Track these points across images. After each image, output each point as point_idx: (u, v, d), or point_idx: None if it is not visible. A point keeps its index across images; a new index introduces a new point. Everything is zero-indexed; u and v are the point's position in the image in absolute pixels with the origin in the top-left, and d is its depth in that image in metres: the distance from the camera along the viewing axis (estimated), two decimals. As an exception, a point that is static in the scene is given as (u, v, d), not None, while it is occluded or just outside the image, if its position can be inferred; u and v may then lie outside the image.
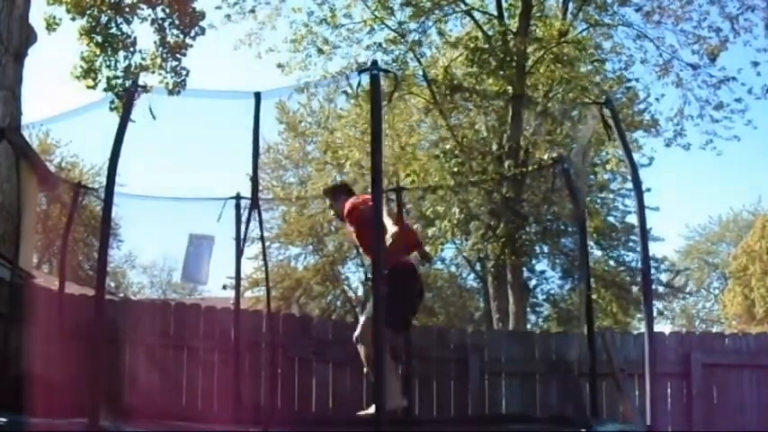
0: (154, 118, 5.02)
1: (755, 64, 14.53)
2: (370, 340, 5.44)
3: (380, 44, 15.19)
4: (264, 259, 8.48)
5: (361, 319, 5.85)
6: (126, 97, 5.09)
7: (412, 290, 5.95)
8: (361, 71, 4.64)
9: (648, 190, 16.49)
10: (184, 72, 12.51)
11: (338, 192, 6.20)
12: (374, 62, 4.49)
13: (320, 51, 15.27)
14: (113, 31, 12.13)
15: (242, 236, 6.94)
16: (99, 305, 5.02)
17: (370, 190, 4.68)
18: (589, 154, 13.85)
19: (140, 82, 5.44)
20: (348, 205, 5.97)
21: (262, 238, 7.04)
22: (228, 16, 15.08)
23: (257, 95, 5.96)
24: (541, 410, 7.42)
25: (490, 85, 14.73)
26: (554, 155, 12.72)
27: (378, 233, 4.42)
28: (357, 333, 5.87)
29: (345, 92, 14.29)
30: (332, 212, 6.87)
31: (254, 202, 6.38)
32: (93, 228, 20.55)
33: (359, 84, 4.59)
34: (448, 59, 15.44)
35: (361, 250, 5.74)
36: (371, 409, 5.24)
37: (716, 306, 36.79)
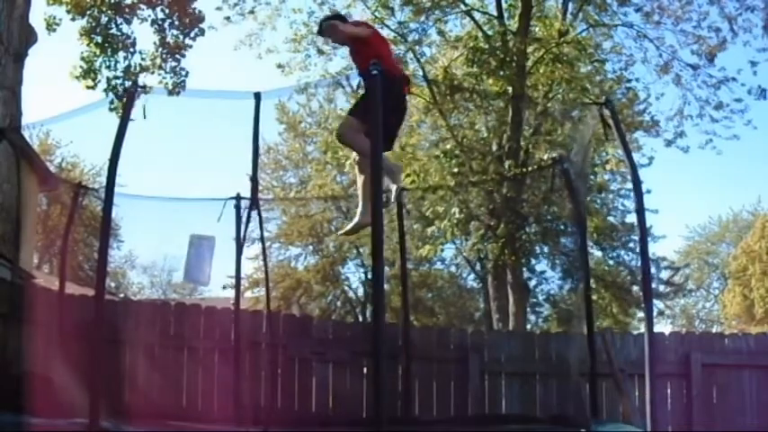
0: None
1: (753, 64, 14.55)
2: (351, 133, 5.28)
3: (381, 44, 15.18)
4: (264, 259, 8.50)
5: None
6: (126, 97, 5.09)
7: (395, 101, 5.33)
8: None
9: (649, 191, 16.53)
10: (184, 72, 12.53)
11: (331, 20, 5.64)
12: (374, 63, 4.49)
13: (320, 52, 15.28)
14: (113, 31, 12.14)
15: (242, 236, 6.96)
16: (99, 305, 5.03)
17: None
18: (589, 154, 13.84)
19: (140, 82, 5.45)
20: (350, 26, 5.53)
21: (262, 239, 7.07)
22: (228, 18, 15.06)
23: (257, 96, 5.98)
24: (541, 410, 7.43)
25: (490, 86, 14.72)
26: (554, 155, 12.72)
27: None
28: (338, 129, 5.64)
29: (349, 85, 14.14)
30: (330, 41, 6.56)
31: (254, 202, 6.40)
32: (93, 228, 20.54)
33: (358, 85, 4.58)
34: (448, 59, 15.43)
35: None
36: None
37: (716, 306, 36.76)
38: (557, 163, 7.48)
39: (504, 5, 15.55)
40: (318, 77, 15.20)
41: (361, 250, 22.24)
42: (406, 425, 6.68)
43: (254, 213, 6.53)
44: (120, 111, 5.32)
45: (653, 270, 17.74)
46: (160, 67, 12.42)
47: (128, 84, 11.72)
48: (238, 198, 7.09)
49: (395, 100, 5.14)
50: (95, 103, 6.87)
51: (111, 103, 10.90)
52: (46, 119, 7.20)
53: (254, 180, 6.34)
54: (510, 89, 14.27)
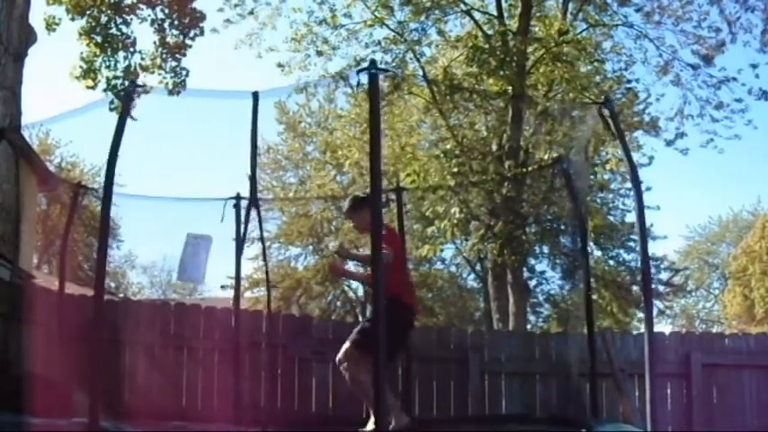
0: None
1: (754, 66, 14.56)
2: (352, 364, 5.34)
3: (380, 42, 15.19)
4: (265, 259, 8.49)
5: (346, 343, 5.48)
6: (124, 97, 5.09)
7: (405, 327, 5.67)
8: (359, 70, 4.63)
9: (649, 189, 16.56)
10: (184, 72, 12.49)
11: (361, 203, 5.73)
12: (372, 61, 4.47)
13: (320, 53, 15.27)
14: (113, 31, 12.11)
15: (242, 236, 6.95)
16: (98, 305, 5.02)
17: (369, 190, 4.62)
18: (589, 153, 13.84)
19: (139, 82, 5.45)
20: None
21: (262, 239, 7.04)
22: (228, 20, 15.08)
23: (255, 95, 5.99)
24: (541, 410, 7.43)
25: (490, 85, 14.71)
26: (554, 155, 12.71)
27: (376, 233, 4.39)
28: (340, 356, 5.53)
29: (349, 85, 14.12)
30: (351, 223, 6.68)
31: (254, 201, 6.39)
32: (93, 228, 20.53)
33: (358, 83, 4.56)
34: (448, 59, 15.43)
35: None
36: (369, 426, 5.14)
37: (716, 306, 36.79)
38: (557, 162, 7.48)
39: (504, 5, 15.55)
40: (318, 77, 15.21)
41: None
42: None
43: (254, 213, 6.52)
44: (120, 110, 5.31)
45: (653, 270, 17.72)
46: (160, 67, 12.39)
47: (128, 84, 11.70)
48: (238, 198, 7.08)
49: (402, 327, 5.41)
50: (95, 102, 6.86)
51: (112, 102, 10.88)
52: (45, 119, 7.22)
53: (253, 179, 6.34)
54: (510, 89, 14.26)
